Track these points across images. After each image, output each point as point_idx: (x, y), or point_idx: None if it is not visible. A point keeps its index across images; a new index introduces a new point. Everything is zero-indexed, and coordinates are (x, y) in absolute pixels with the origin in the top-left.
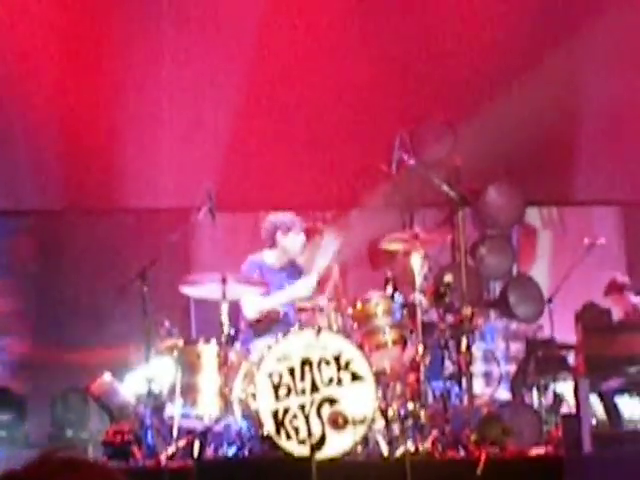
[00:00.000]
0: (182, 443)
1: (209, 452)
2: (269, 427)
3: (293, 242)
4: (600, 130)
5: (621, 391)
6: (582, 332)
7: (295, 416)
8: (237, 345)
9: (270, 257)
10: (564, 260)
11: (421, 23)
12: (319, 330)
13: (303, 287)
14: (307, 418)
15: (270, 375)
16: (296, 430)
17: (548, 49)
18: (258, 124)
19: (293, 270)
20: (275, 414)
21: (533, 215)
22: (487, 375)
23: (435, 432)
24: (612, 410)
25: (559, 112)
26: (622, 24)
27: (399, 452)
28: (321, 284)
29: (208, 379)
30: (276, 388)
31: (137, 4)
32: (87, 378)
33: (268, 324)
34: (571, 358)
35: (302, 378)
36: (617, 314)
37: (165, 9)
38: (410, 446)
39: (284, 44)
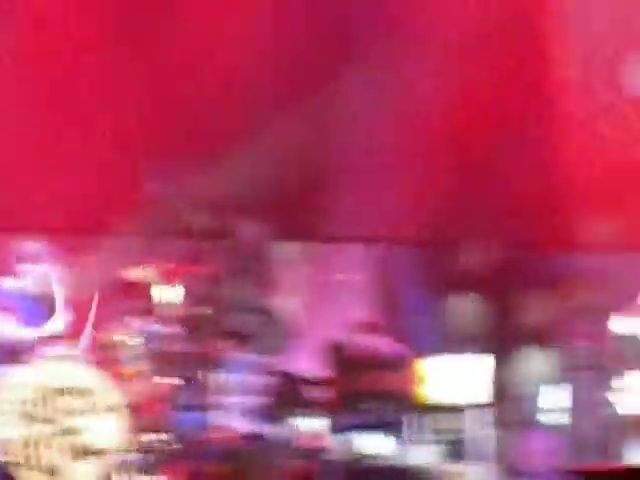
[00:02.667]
0: None
1: None
2: (8, 456)
3: (36, 270)
4: (354, 166)
5: (364, 427)
6: (329, 368)
7: (36, 446)
8: None
9: (15, 285)
10: (314, 295)
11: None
12: (63, 359)
13: (57, 325)
14: (48, 448)
15: (11, 403)
16: (37, 460)
17: (299, 88)
18: (13, 146)
19: (41, 297)
20: (15, 443)
21: (285, 249)
22: (233, 407)
23: (180, 464)
24: (354, 446)
25: (313, 146)
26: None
27: None
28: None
29: None
30: (17, 417)
31: None
32: None
33: (12, 351)
34: (317, 393)
35: (44, 407)
36: (362, 352)
37: None
38: (154, 479)
39: (45, 62)
